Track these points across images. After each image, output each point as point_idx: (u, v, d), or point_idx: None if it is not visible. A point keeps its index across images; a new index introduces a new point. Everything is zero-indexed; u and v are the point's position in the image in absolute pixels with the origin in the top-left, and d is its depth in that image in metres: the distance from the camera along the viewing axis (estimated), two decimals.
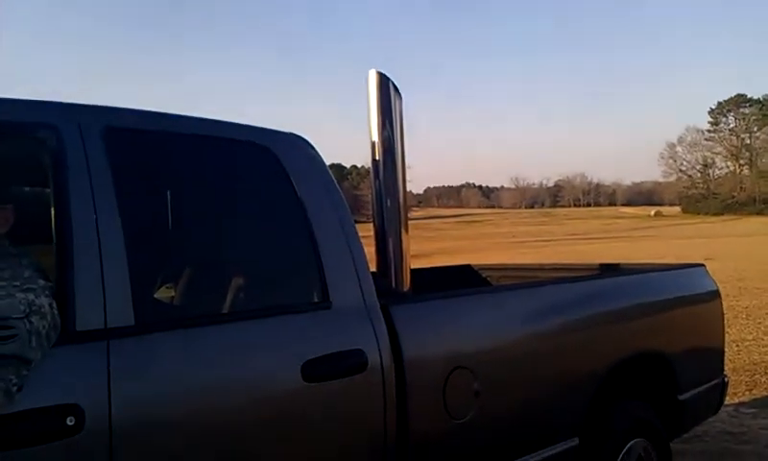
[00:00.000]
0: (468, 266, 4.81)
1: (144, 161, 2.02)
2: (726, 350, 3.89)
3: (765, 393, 5.73)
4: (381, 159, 2.46)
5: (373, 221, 2.48)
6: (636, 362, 2.98)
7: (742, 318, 9.10)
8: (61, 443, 1.47)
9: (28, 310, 1.45)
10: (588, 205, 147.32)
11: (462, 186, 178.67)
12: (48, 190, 1.76)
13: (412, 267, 2.56)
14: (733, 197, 77.47)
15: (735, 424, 4.86)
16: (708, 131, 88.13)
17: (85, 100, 1.89)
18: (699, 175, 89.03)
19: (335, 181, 2.34)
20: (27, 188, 2.31)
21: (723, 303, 3.71)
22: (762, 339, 7.80)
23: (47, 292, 1.54)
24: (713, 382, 3.50)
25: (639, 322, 3.06)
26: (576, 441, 2.63)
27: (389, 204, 2.46)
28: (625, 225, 59.21)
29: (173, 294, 2.32)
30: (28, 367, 1.42)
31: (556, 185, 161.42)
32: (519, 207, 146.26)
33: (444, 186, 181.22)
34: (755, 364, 6.66)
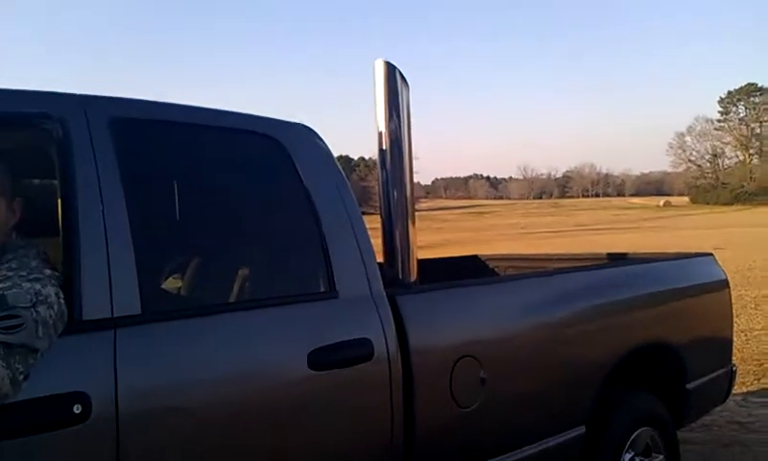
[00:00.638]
0: (476, 256, 4.81)
1: (151, 152, 2.03)
2: (734, 339, 3.88)
3: None
4: (388, 150, 2.46)
5: (380, 212, 2.49)
6: (643, 351, 2.97)
7: (751, 308, 9.07)
8: (69, 431, 1.47)
9: (35, 300, 1.46)
10: (597, 195, 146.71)
11: (469, 177, 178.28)
12: (55, 181, 1.77)
13: (419, 258, 2.56)
14: (743, 187, 76.87)
15: (743, 413, 4.85)
16: (718, 120, 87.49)
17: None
18: (708, 165, 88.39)
19: (342, 171, 2.34)
20: (34, 179, 2.33)
21: (732, 292, 3.69)
22: None
23: (54, 281, 1.55)
24: (721, 371, 3.49)
25: (647, 311, 3.05)
26: (583, 429, 2.64)
27: (395, 195, 2.46)
28: (634, 215, 58.98)
29: (180, 285, 2.33)
30: (35, 356, 1.43)
31: (564, 176, 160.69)
32: (528, 198, 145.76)
33: (451, 177, 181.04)
34: (763, 354, 6.64)
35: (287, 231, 2.25)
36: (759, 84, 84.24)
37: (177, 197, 2.18)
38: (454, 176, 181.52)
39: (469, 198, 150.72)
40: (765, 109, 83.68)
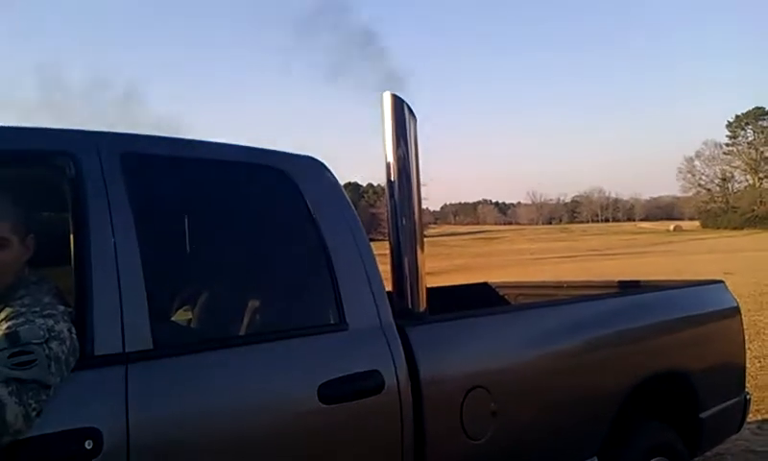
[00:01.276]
0: (486, 284, 4.80)
1: (161, 186, 2.05)
2: (748, 366, 3.84)
3: None
4: (396, 180, 2.48)
5: (389, 241, 2.50)
6: (656, 380, 2.95)
7: (764, 334, 8.97)
8: None
9: (47, 336, 1.47)
10: (607, 220, 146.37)
11: (478, 203, 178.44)
12: (68, 215, 1.79)
13: (428, 285, 2.56)
14: (753, 211, 76.50)
15: (759, 442, 4.78)
16: (727, 144, 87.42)
17: None
18: (718, 189, 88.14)
19: (351, 202, 2.36)
20: (48, 213, 2.35)
21: (744, 318, 3.67)
22: None
23: (66, 317, 1.56)
24: (735, 400, 3.45)
25: (659, 340, 3.03)
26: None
27: (404, 223, 2.47)
28: (644, 240, 58.69)
29: (190, 316, 2.34)
30: (47, 392, 1.44)
31: (573, 201, 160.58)
32: (537, 224, 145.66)
33: (460, 203, 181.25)
34: None
35: (296, 264, 2.26)
36: (767, 108, 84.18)
37: (187, 230, 2.20)
38: (463, 201, 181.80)
39: (478, 223, 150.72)
40: None
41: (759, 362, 7.24)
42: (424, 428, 2.09)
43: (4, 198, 1.68)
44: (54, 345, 1.47)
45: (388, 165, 2.49)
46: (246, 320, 2.10)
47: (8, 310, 1.54)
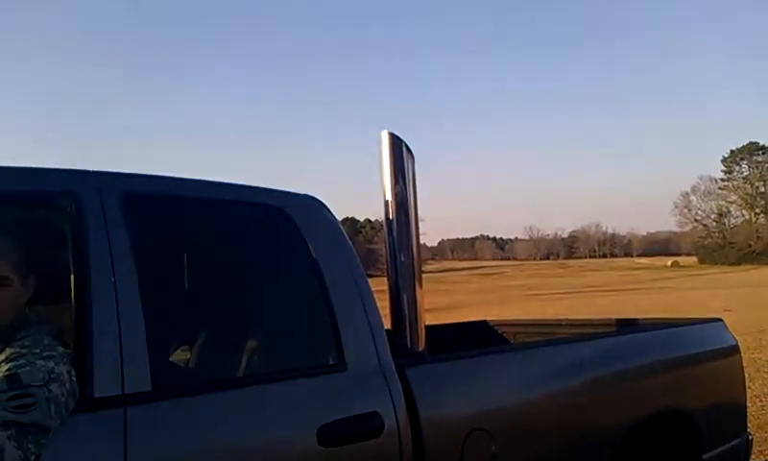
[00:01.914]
0: (485, 322, 4.79)
1: (161, 226, 2.06)
2: (749, 405, 3.82)
3: None
4: (394, 218, 2.49)
5: (388, 279, 2.50)
6: (656, 420, 2.93)
7: (765, 371, 8.91)
8: None
9: (47, 378, 1.47)
10: (604, 255, 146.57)
11: (476, 238, 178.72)
12: (67, 254, 1.79)
13: (427, 322, 2.56)
14: (750, 246, 76.71)
15: None
16: (722, 179, 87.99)
17: None
18: (714, 224, 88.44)
19: (349, 241, 2.36)
20: (48, 253, 2.36)
21: (744, 356, 3.65)
22: None
23: (66, 359, 1.56)
24: (737, 440, 3.42)
25: (658, 379, 3.02)
26: None
27: (403, 261, 2.47)
28: (642, 276, 58.73)
29: (189, 357, 2.33)
30: (46, 435, 1.43)
31: (571, 236, 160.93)
32: (534, 259, 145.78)
33: (458, 238, 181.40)
34: None
35: (296, 303, 2.26)
36: (761, 143, 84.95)
37: (186, 269, 2.21)
38: (461, 237, 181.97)
39: (476, 259, 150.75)
40: None
41: (761, 401, 7.18)
42: None
43: (6, 237, 1.69)
44: (54, 387, 1.47)
45: (386, 203, 2.50)
46: (244, 360, 2.10)
47: (8, 351, 1.54)
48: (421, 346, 2.45)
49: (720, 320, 3.69)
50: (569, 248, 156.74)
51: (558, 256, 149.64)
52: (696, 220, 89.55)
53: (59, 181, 1.84)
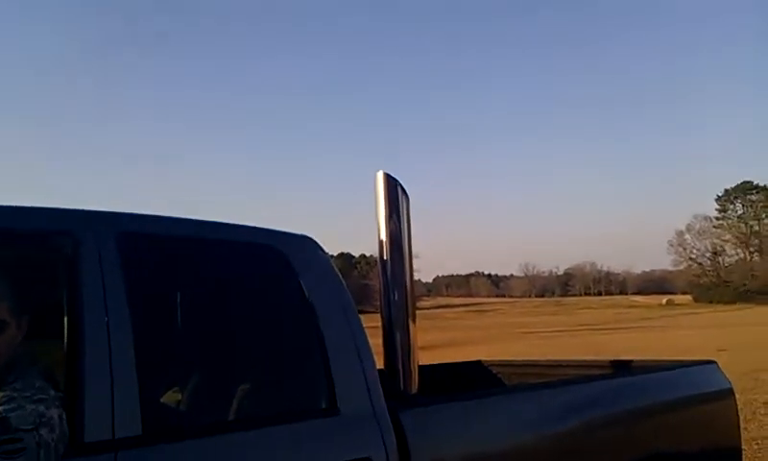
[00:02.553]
0: (479, 362, 4.77)
1: (156, 266, 2.06)
2: (744, 448, 3.79)
3: None
4: (389, 257, 2.51)
5: (382, 318, 2.50)
6: None
7: (761, 414, 8.85)
8: None
9: (38, 422, 1.46)
10: (599, 293, 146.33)
11: (471, 275, 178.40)
12: (63, 293, 1.80)
13: (421, 361, 2.55)
14: (745, 285, 76.78)
15: None
16: (716, 218, 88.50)
17: None
18: (709, 263, 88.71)
19: (343, 281, 2.37)
20: (43, 292, 2.36)
21: (739, 397, 3.64)
22: None
23: (57, 403, 1.55)
24: None
25: (652, 422, 3.01)
26: None
27: (396, 299, 2.48)
28: (637, 314, 58.59)
29: (179, 398, 2.31)
30: None
31: (566, 273, 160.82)
32: (530, 296, 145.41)
33: (452, 275, 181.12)
34: None
35: (288, 345, 2.25)
36: (755, 182, 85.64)
37: (179, 310, 2.20)
38: (455, 273, 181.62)
39: (471, 296, 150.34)
40: (763, 207, 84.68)
41: (757, 444, 7.12)
42: None
43: (3, 279, 1.69)
44: (44, 432, 1.45)
45: (381, 243, 2.52)
46: (235, 404, 2.08)
47: None
48: (415, 387, 2.45)
49: (714, 362, 3.68)
50: (564, 285, 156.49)
51: (553, 294, 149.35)
52: (691, 258, 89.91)
53: (54, 221, 1.85)
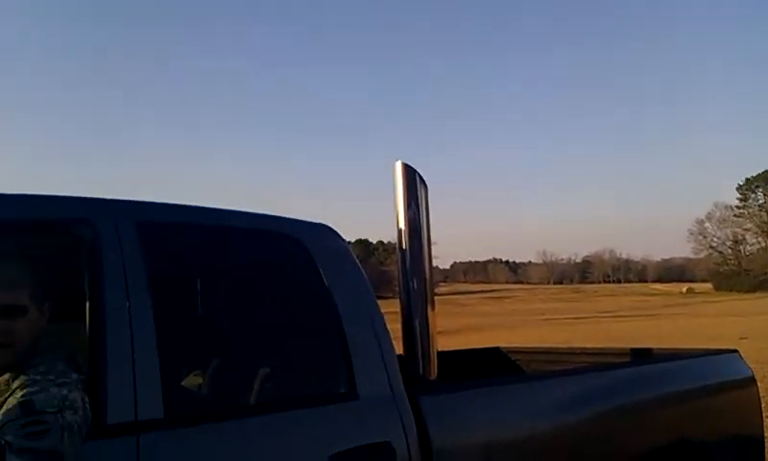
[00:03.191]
0: (498, 349, 4.76)
1: (176, 254, 2.08)
2: (767, 437, 3.75)
3: None
4: (407, 246, 2.51)
5: (401, 304, 2.51)
6: (669, 452, 2.89)
7: None
8: None
9: (61, 405, 1.48)
10: (618, 280, 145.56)
11: (489, 261, 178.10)
12: (84, 280, 1.81)
13: (440, 346, 2.55)
14: (766, 273, 75.87)
15: None
16: (737, 207, 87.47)
17: None
18: (730, 251, 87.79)
19: (362, 268, 2.37)
20: (65, 279, 2.38)
21: (761, 385, 3.60)
22: None
23: (80, 386, 1.57)
24: None
25: (672, 410, 2.98)
26: None
27: (415, 286, 2.48)
28: (657, 302, 58.21)
29: (201, 381, 2.33)
30: None
31: (584, 261, 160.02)
32: (548, 283, 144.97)
33: (470, 262, 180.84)
34: None
35: (308, 332, 2.26)
36: None
37: (199, 297, 2.22)
38: (473, 260, 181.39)
39: (489, 282, 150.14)
40: None
41: None
42: None
43: (24, 265, 1.71)
44: (68, 414, 1.47)
45: (399, 231, 2.52)
46: (256, 387, 2.09)
47: (23, 378, 1.55)
48: (434, 373, 2.45)
49: (735, 351, 3.65)
50: (583, 272, 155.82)
51: (571, 281, 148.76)
52: (711, 247, 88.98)
53: (76, 209, 1.86)
